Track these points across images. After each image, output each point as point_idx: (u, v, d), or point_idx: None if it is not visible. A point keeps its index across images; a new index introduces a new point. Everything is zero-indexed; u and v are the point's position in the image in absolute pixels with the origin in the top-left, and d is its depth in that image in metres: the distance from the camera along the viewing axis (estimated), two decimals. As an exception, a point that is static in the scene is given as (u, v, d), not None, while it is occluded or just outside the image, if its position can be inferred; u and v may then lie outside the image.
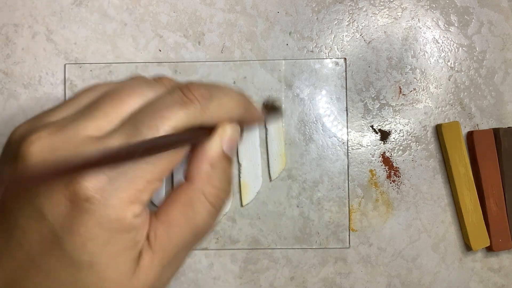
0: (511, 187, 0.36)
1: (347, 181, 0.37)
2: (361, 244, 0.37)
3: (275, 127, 0.36)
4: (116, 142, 0.18)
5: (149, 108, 0.19)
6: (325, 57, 0.37)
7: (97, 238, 0.18)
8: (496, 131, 0.36)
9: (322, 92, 0.37)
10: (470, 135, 0.36)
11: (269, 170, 0.36)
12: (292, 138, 0.37)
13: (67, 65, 0.37)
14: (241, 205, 0.36)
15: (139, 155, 0.18)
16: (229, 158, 0.22)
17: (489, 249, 0.36)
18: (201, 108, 0.20)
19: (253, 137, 0.36)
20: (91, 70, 0.37)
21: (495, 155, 0.36)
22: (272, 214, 0.37)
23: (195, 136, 0.20)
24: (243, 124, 0.23)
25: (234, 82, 0.37)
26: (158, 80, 0.22)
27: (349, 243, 0.37)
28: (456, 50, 0.37)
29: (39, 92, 0.37)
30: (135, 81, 0.21)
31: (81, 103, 0.20)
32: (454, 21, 0.37)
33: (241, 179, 0.36)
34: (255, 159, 0.36)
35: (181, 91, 0.20)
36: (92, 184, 0.17)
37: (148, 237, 0.20)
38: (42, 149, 0.18)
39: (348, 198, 0.37)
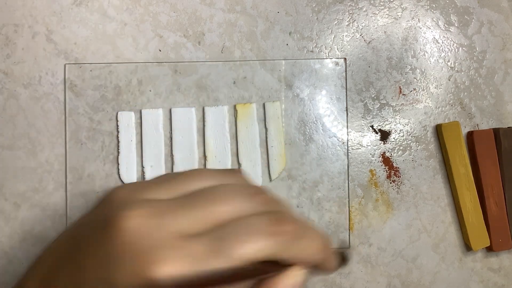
0: (511, 187, 0.36)
1: (347, 181, 0.37)
2: (361, 244, 0.37)
3: (275, 127, 0.36)
4: (199, 247, 0.18)
5: (240, 223, 0.19)
6: (325, 57, 0.37)
7: None
8: (496, 131, 0.36)
9: (322, 92, 0.37)
10: (470, 135, 0.36)
11: (269, 170, 0.36)
12: (292, 138, 0.37)
13: (67, 65, 0.37)
14: (241, 205, 0.36)
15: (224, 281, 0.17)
16: None
17: (489, 249, 0.36)
18: (285, 244, 0.19)
19: (253, 137, 0.36)
20: (91, 70, 0.37)
21: (495, 155, 0.36)
22: (272, 214, 0.37)
23: (262, 270, 0.19)
24: (315, 269, 0.22)
25: (234, 82, 0.37)
26: (256, 192, 0.21)
27: (349, 243, 0.37)
28: (456, 50, 0.37)
29: (39, 92, 0.37)
30: (236, 188, 0.21)
31: (182, 188, 0.20)
32: (454, 21, 0.37)
33: (241, 179, 0.36)
34: (255, 159, 0.36)
35: (275, 218, 0.19)
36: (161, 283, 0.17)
37: None
38: (134, 229, 0.18)
39: (348, 198, 0.37)
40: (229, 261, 0.18)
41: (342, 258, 0.27)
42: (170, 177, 0.21)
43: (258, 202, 0.21)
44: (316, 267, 0.22)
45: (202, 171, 0.22)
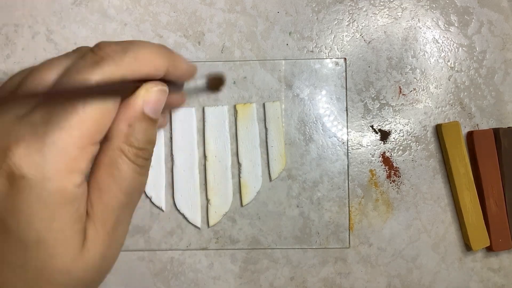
0: (511, 187, 0.36)
1: (347, 181, 0.37)
2: (361, 244, 0.37)
3: (275, 127, 0.36)
4: (37, 115, 0.18)
5: (66, 74, 0.19)
6: (325, 57, 0.37)
7: (41, 214, 0.18)
8: (496, 131, 0.36)
9: (322, 92, 0.37)
10: (470, 135, 0.36)
11: (269, 170, 0.36)
12: (292, 138, 0.37)
13: (67, 65, 0.37)
14: (241, 205, 0.36)
15: (65, 96, 0.18)
16: (151, 119, 0.21)
17: (489, 249, 0.36)
18: (115, 63, 0.19)
19: (253, 137, 0.36)
20: (91, 70, 0.37)
21: (495, 155, 0.36)
22: (272, 214, 0.37)
23: (120, 90, 0.20)
24: (172, 78, 0.22)
25: (234, 82, 0.37)
26: (76, 49, 0.22)
27: (349, 243, 0.37)
28: (456, 50, 0.37)
29: (39, 92, 0.36)
30: (54, 57, 0.21)
31: (11, 85, 0.21)
32: (454, 21, 0.37)
33: (241, 179, 0.36)
34: (255, 159, 0.36)
35: (92, 52, 0.20)
36: (24, 160, 0.17)
37: (86, 208, 0.19)
38: None
39: (348, 198, 0.37)
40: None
41: (215, 79, 0.27)
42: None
43: (80, 51, 0.21)
44: (171, 76, 0.22)
45: (47, 62, 0.22)
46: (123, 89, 0.20)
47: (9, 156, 0.17)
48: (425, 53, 0.37)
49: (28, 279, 0.18)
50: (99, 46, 0.20)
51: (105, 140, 0.20)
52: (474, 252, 0.37)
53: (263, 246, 0.37)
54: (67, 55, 0.21)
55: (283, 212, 0.37)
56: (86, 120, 0.18)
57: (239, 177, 0.36)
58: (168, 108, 0.29)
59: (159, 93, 0.21)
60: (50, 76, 0.19)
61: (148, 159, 0.21)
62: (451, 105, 0.37)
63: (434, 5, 0.37)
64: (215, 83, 0.26)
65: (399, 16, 0.37)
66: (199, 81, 0.25)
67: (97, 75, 0.18)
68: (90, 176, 0.20)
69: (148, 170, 0.22)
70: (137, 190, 0.21)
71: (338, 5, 0.37)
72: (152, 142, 0.21)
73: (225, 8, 0.37)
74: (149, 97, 0.21)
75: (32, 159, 0.17)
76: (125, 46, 0.20)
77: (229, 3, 0.37)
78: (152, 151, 0.22)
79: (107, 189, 0.20)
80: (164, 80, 0.22)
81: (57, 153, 0.18)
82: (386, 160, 0.37)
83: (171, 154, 0.36)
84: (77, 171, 0.18)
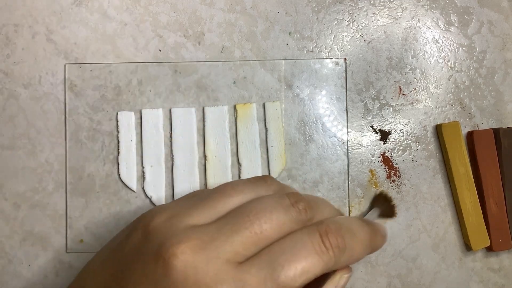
0: (511, 187, 0.36)
1: (347, 181, 0.37)
2: (361, 244, 0.37)
3: (275, 127, 0.36)
4: (254, 276, 0.18)
5: (287, 244, 0.19)
6: (325, 57, 0.37)
7: None
8: (496, 131, 0.36)
9: (322, 92, 0.37)
10: (470, 135, 0.36)
11: (269, 170, 0.36)
12: (292, 138, 0.37)
13: (67, 65, 0.37)
14: (241, 205, 0.36)
15: None
16: None
17: (489, 249, 0.36)
18: (335, 261, 0.19)
19: (253, 137, 0.36)
20: (91, 70, 0.37)
21: (495, 155, 0.36)
22: (272, 214, 0.37)
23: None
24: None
25: (234, 82, 0.37)
26: (292, 203, 0.21)
27: (349, 243, 0.37)
28: (456, 50, 0.37)
29: (39, 92, 0.37)
30: (271, 201, 0.21)
31: (219, 208, 0.21)
32: (454, 21, 0.37)
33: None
34: (255, 159, 0.36)
35: (319, 234, 0.20)
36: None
37: None
38: (186, 266, 0.18)
39: (348, 198, 0.37)
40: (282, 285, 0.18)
41: (384, 202, 0.26)
42: (204, 197, 0.21)
43: (297, 212, 0.21)
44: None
45: (234, 185, 0.22)
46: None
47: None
48: (425, 53, 0.37)
49: None
50: (327, 232, 0.20)
51: None
52: (474, 252, 0.37)
53: (263, 246, 0.37)
54: (286, 208, 0.21)
55: (283, 212, 0.37)
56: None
57: (239, 177, 0.36)
58: None
59: (347, 279, 0.22)
60: (269, 232, 0.19)
61: None
62: (451, 105, 0.37)
63: (434, 5, 0.37)
64: (386, 212, 0.26)
65: (399, 16, 0.37)
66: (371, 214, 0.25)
67: (317, 265, 0.19)
68: None
69: None
70: None
71: (338, 5, 0.37)
72: None
73: (225, 8, 0.37)
74: (340, 283, 0.21)
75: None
76: (346, 239, 0.20)
77: (229, 3, 0.37)
78: None
79: None
80: None
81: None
82: (386, 160, 0.37)
83: (171, 154, 0.36)
84: None
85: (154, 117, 0.36)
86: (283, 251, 0.19)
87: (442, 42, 0.37)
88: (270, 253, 0.19)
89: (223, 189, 0.22)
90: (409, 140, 0.37)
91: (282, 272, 0.18)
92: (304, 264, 0.19)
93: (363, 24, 0.37)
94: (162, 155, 0.36)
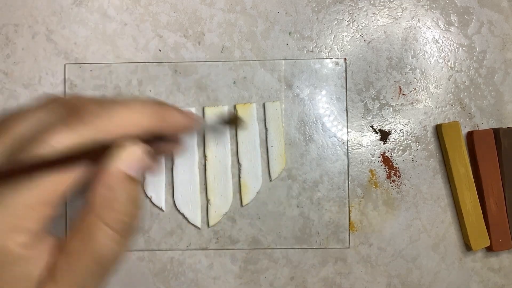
0: (511, 187, 0.36)
1: (347, 181, 0.37)
2: (361, 244, 0.37)
3: (275, 127, 0.36)
4: None
5: (35, 130, 0.18)
6: (325, 57, 0.37)
7: None
8: (496, 131, 0.36)
9: (322, 92, 0.37)
10: (470, 135, 0.36)
11: (269, 170, 0.36)
12: (292, 138, 0.37)
13: (67, 65, 0.37)
14: (241, 205, 0.36)
15: (15, 172, 0.17)
16: (132, 179, 0.20)
17: (489, 249, 0.36)
18: (89, 124, 0.18)
19: (253, 137, 0.36)
20: (91, 70, 0.37)
21: (495, 155, 0.36)
22: (272, 214, 0.37)
23: (87, 156, 0.19)
24: (162, 135, 0.21)
25: (234, 82, 0.37)
26: (51, 100, 0.21)
27: (349, 243, 0.37)
28: (456, 50, 0.37)
29: (39, 92, 0.36)
30: (26, 108, 0.20)
31: None
32: (454, 21, 0.37)
33: (241, 179, 0.36)
34: (255, 159, 0.36)
35: (65, 109, 0.19)
36: None
37: (50, 268, 0.18)
38: None
39: (348, 198, 0.37)
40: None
41: (232, 120, 0.25)
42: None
43: (56, 104, 0.20)
44: (161, 133, 0.21)
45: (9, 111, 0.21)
46: (95, 151, 0.19)
47: None
48: (425, 53, 0.37)
49: None
50: (75, 104, 0.19)
51: (85, 206, 0.19)
52: (474, 252, 0.37)
53: (263, 246, 0.37)
54: (39, 106, 0.20)
55: (283, 212, 0.37)
56: (42, 182, 0.17)
57: (239, 177, 0.36)
58: (163, 154, 0.27)
59: (137, 150, 0.20)
60: (20, 129, 0.18)
61: (130, 226, 0.20)
62: (451, 105, 0.37)
63: (434, 5, 0.37)
64: (233, 121, 0.25)
65: (399, 16, 0.37)
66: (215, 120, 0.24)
67: (67, 135, 0.18)
68: (66, 238, 0.19)
69: (127, 240, 0.20)
70: (112, 261, 0.19)
71: (338, 5, 0.37)
72: (136, 204, 0.20)
73: (225, 8, 0.37)
74: (127, 155, 0.19)
75: None
76: (104, 105, 0.19)
77: (229, 3, 0.37)
78: (137, 217, 0.20)
79: (76, 254, 0.18)
80: (156, 136, 0.21)
81: (0, 211, 0.17)
82: (386, 160, 0.37)
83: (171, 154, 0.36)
84: (23, 230, 0.17)
85: (154, 117, 0.36)
86: (31, 134, 0.18)
87: (442, 42, 0.37)
88: (19, 139, 0.18)
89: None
90: (409, 140, 0.37)
91: (28, 148, 0.17)
92: (50, 138, 0.18)
93: (363, 24, 0.37)
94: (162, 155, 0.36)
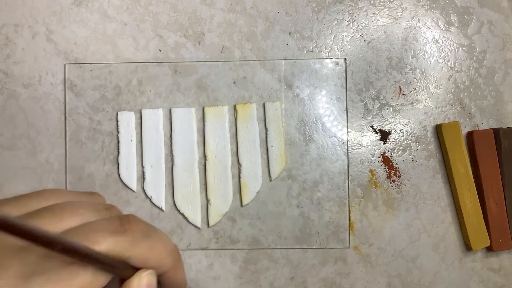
0: (511, 187, 0.36)
1: (347, 181, 0.37)
2: (361, 244, 0.37)
3: (275, 127, 0.36)
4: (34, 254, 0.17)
5: (83, 228, 0.19)
6: (325, 57, 0.37)
7: None
8: (496, 131, 0.36)
9: (322, 92, 0.37)
10: (470, 135, 0.36)
11: (269, 170, 0.36)
12: (292, 138, 0.37)
13: (67, 65, 0.37)
14: (241, 205, 0.36)
15: (57, 248, 0.17)
16: None
17: (489, 249, 0.36)
18: (132, 241, 0.19)
19: (253, 137, 0.36)
20: (91, 70, 0.37)
21: (495, 155, 0.36)
22: (272, 214, 0.37)
23: (118, 268, 0.19)
24: (166, 279, 0.22)
25: (234, 82, 0.37)
26: (106, 208, 0.21)
27: (349, 243, 0.37)
28: (456, 50, 0.37)
29: (39, 92, 0.36)
30: (86, 203, 0.21)
31: (30, 206, 0.20)
32: (454, 21, 0.37)
33: (241, 179, 0.36)
34: (255, 159, 0.36)
35: (119, 220, 0.20)
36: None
37: None
38: None
39: (348, 198, 0.37)
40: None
41: None
42: (23, 195, 0.21)
43: (107, 215, 0.21)
44: (167, 277, 0.22)
45: (55, 190, 0.22)
46: (125, 269, 0.20)
47: None
48: (425, 53, 0.37)
49: None
50: (130, 219, 0.20)
51: None
52: (474, 252, 0.37)
53: (263, 246, 0.37)
54: (94, 208, 0.20)
55: (283, 212, 0.37)
56: (73, 280, 0.18)
57: (239, 177, 0.36)
58: None
59: (153, 280, 0.21)
60: (70, 224, 0.19)
61: None
62: (451, 105, 0.37)
63: (434, 5, 0.37)
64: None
65: (399, 16, 0.37)
66: None
67: (111, 243, 0.18)
68: None
69: None
70: None
71: (338, 5, 0.37)
72: None
73: (225, 8, 0.37)
74: (144, 281, 0.20)
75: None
76: (150, 231, 0.20)
77: (229, 3, 0.37)
78: None
79: None
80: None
81: None
82: (386, 160, 0.37)
83: (171, 154, 0.36)
84: None
85: (154, 117, 0.36)
86: (81, 230, 0.18)
87: (442, 42, 0.37)
88: (68, 232, 0.18)
89: (42, 191, 0.21)
90: (409, 140, 0.37)
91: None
92: (95, 240, 0.18)
93: (363, 24, 0.37)
94: (162, 155, 0.36)
